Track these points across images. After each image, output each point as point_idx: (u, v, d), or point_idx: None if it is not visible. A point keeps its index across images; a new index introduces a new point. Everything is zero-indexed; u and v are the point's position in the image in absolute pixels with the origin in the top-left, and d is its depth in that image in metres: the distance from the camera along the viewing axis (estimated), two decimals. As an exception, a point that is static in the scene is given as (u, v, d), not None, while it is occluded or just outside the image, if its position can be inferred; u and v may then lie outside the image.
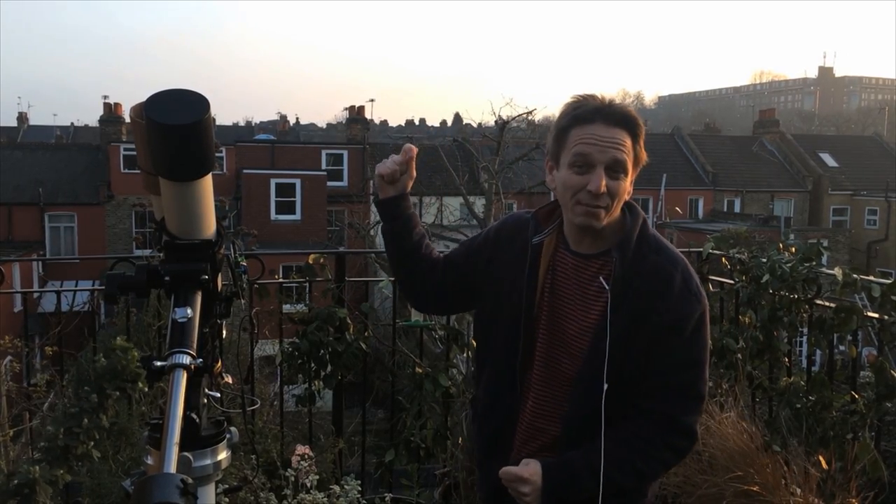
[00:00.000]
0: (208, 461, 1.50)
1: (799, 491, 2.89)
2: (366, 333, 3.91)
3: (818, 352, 3.68)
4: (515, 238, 1.87)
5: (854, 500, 2.88)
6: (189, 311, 1.43)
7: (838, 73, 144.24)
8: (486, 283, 1.91)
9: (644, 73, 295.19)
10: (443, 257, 2.03)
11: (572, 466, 1.72)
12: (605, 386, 1.70)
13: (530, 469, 1.72)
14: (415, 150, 1.92)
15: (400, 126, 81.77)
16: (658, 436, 1.73)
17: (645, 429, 1.73)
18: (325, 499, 3.19)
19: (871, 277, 3.31)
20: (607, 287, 1.71)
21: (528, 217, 1.89)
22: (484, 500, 1.98)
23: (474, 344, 2.26)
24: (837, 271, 3.33)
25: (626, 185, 1.73)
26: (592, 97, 1.75)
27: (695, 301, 1.73)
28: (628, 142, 1.71)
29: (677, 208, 26.45)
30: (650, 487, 1.85)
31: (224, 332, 1.64)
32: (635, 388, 1.73)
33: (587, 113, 1.72)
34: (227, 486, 2.72)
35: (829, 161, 33.23)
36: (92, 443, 2.97)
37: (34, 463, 2.86)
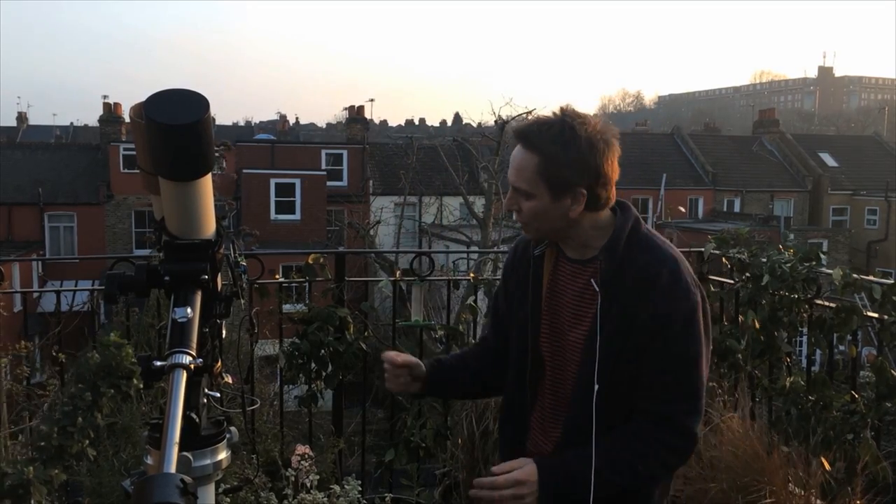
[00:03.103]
0: (208, 461, 1.50)
1: (802, 492, 2.88)
2: (366, 333, 3.91)
3: (817, 352, 3.68)
4: (523, 256, 1.94)
5: (859, 502, 2.88)
6: (189, 310, 1.43)
7: (838, 72, 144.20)
8: (509, 301, 1.99)
9: (644, 73, 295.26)
10: (490, 331, 2.10)
11: (568, 465, 1.72)
12: (596, 387, 1.72)
13: (526, 470, 1.71)
14: (395, 357, 2.00)
15: (400, 126, 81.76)
16: (655, 436, 1.72)
17: (642, 429, 1.73)
18: (326, 499, 3.19)
19: (871, 278, 3.31)
20: (598, 288, 1.74)
21: None
22: None
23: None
24: (836, 272, 3.33)
25: (540, 206, 1.73)
26: (528, 120, 1.87)
27: (682, 297, 1.71)
28: (533, 162, 1.71)
29: (680, 207, 26.41)
30: (657, 490, 1.84)
31: (224, 331, 1.64)
32: (633, 388, 1.74)
33: (516, 135, 1.79)
34: (227, 486, 2.71)
35: (829, 161, 33.21)
36: (87, 441, 2.95)
37: (29, 462, 2.85)
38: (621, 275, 1.73)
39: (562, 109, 1.73)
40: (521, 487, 1.70)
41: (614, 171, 1.75)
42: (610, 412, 1.73)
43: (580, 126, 1.69)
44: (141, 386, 3.13)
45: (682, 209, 26.76)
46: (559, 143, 1.69)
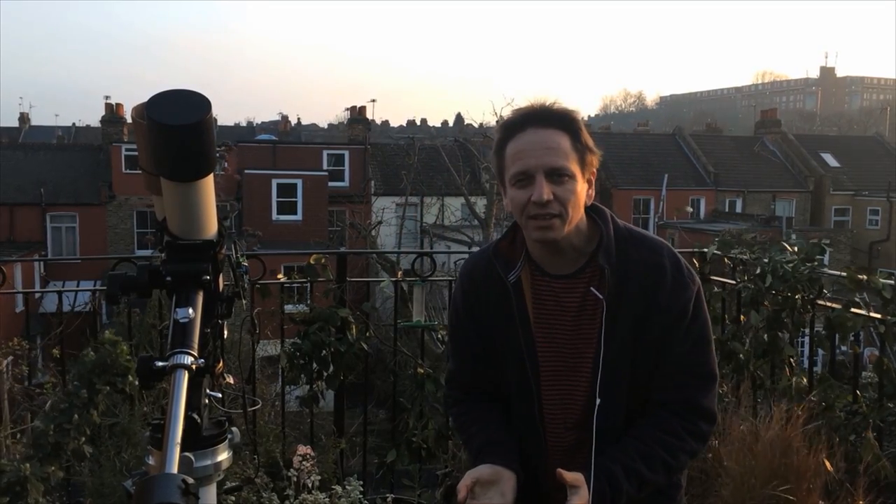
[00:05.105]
0: (210, 461, 1.50)
1: (803, 493, 2.88)
2: (367, 334, 3.90)
3: (819, 352, 3.67)
4: (489, 279, 1.77)
5: (861, 502, 2.87)
6: (190, 311, 1.43)
7: (840, 73, 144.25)
8: (486, 336, 1.81)
9: (646, 73, 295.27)
10: (472, 378, 1.88)
11: (613, 476, 1.63)
12: (598, 401, 1.66)
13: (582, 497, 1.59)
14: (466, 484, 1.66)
15: (401, 126, 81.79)
16: (682, 426, 1.68)
17: (668, 422, 1.69)
18: (327, 499, 3.19)
19: (881, 279, 3.30)
20: (601, 296, 1.66)
21: (487, 254, 1.81)
22: None
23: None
24: (846, 272, 3.31)
25: (578, 188, 1.64)
26: (526, 106, 1.69)
27: (689, 283, 1.70)
28: (565, 142, 1.63)
29: (688, 208, 26.36)
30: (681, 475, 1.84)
31: (225, 332, 1.64)
32: (651, 384, 1.70)
33: (517, 121, 1.67)
34: (228, 485, 2.71)
35: (831, 161, 33.18)
36: (83, 438, 2.95)
37: (25, 460, 2.84)
38: (623, 276, 1.67)
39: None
40: None
41: None
42: (635, 412, 1.71)
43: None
44: (137, 383, 3.12)
45: (690, 209, 26.74)
46: (578, 122, 1.66)
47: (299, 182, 25.05)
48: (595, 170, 1.70)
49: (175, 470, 1.18)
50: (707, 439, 1.77)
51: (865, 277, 3.27)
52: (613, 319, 1.66)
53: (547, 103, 1.67)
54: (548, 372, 1.74)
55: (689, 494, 3.08)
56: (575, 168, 1.63)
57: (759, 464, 2.95)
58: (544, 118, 1.64)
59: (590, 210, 1.73)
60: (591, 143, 1.68)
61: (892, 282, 3.20)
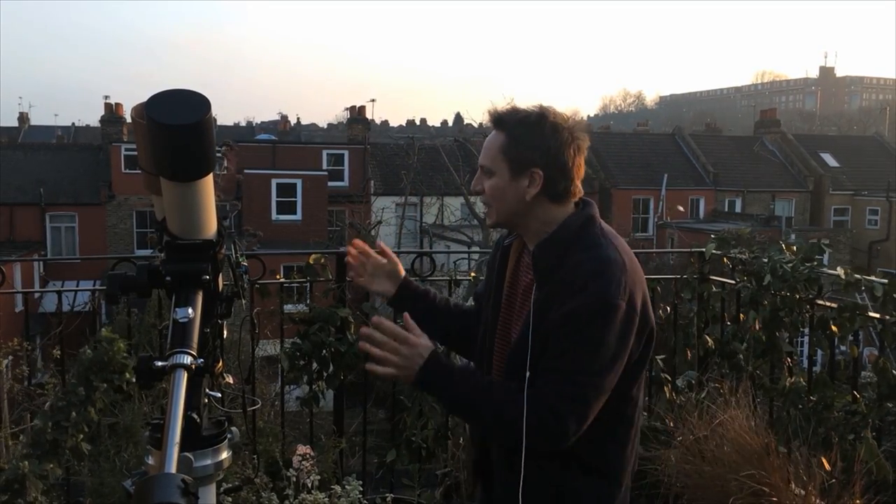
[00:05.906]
0: (209, 461, 1.51)
1: (803, 492, 2.88)
2: (367, 334, 3.90)
3: (819, 352, 3.68)
4: (499, 243, 2.01)
5: (859, 502, 2.88)
6: (190, 311, 1.43)
7: (840, 72, 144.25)
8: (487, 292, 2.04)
9: (645, 73, 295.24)
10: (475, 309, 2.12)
11: (451, 372, 1.74)
12: (528, 374, 1.71)
13: (423, 344, 1.73)
14: (355, 246, 2.08)
15: (401, 126, 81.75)
16: (533, 407, 1.66)
17: (531, 395, 1.68)
18: (327, 499, 3.19)
19: (873, 278, 3.30)
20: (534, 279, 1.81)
21: None
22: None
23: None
24: (840, 271, 3.32)
25: (501, 184, 1.79)
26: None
27: (592, 295, 1.65)
28: (497, 143, 1.80)
29: (679, 207, 26.41)
30: (618, 472, 1.82)
31: (225, 332, 1.64)
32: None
33: (489, 119, 1.87)
34: (228, 485, 2.72)
35: (831, 161, 33.20)
36: (81, 436, 2.96)
37: (24, 458, 2.85)
38: (556, 271, 1.73)
39: (540, 105, 1.82)
40: (405, 348, 1.71)
41: (577, 165, 1.79)
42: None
43: (549, 114, 1.78)
44: (133, 380, 3.14)
45: (681, 208, 26.79)
46: (525, 124, 1.78)
47: (299, 182, 25.04)
48: (539, 170, 1.76)
49: (175, 470, 1.18)
50: (546, 435, 1.68)
51: (859, 277, 3.28)
52: (534, 303, 1.76)
53: (514, 106, 1.84)
54: (499, 336, 1.91)
55: (686, 496, 3.08)
56: (500, 166, 1.80)
57: (735, 461, 2.96)
58: (496, 119, 1.83)
59: (580, 201, 1.84)
60: (543, 141, 1.75)
61: (884, 281, 3.20)
